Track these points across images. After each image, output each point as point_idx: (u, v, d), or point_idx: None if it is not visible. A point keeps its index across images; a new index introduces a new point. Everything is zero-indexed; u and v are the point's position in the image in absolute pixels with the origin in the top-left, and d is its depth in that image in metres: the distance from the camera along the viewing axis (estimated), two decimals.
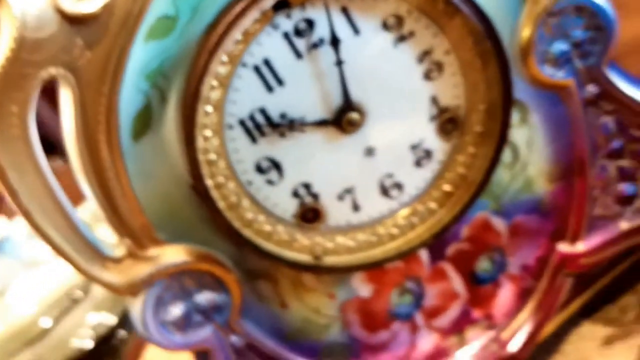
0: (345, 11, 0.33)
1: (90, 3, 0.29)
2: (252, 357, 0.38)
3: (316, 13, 0.33)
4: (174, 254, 0.34)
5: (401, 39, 0.35)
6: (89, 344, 0.72)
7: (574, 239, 0.41)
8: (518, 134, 0.39)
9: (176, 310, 0.35)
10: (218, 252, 0.35)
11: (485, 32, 0.35)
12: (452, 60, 0.36)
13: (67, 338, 0.71)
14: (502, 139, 0.37)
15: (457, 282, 0.41)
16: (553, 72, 0.38)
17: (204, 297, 0.36)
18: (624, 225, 0.41)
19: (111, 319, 0.74)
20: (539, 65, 0.37)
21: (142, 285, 0.34)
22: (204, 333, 0.36)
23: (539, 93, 0.38)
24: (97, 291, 0.72)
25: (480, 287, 0.41)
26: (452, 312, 0.41)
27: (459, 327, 0.42)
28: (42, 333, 0.69)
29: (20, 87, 0.28)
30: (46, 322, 0.69)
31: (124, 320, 0.76)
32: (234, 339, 0.37)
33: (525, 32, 0.36)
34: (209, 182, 0.33)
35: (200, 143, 0.32)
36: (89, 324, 0.73)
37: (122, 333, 0.74)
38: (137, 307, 0.34)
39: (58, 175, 0.31)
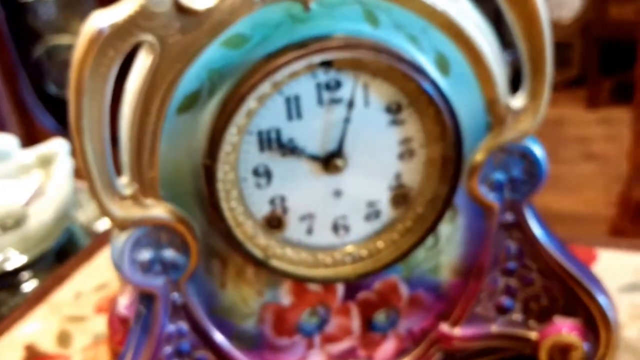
0: (365, 87, 0.40)
1: (200, 2, 0.36)
2: (182, 315, 0.43)
3: (346, 79, 0.40)
4: (163, 210, 0.40)
5: (394, 122, 0.42)
6: None
7: (454, 324, 0.47)
8: (444, 228, 0.45)
9: (146, 254, 0.41)
10: (194, 222, 0.41)
11: (454, 143, 0.41)
12: (422, 153, 0.43)
13: None
14: (432, 226, 0.44)
15: (355, 323, 0.47)
16: (487, 192, 0.44)
17: (170, 253, 0.41)
18: (494, 328, 0.48)
19: (23, 259, 0.78)
20: (479, 183, 0.44)
21: (131, 224, 0.40)
22: (157, 281, 0.41)
23: (470, 203, 0.45)
24: (26, 230, 0.76)
25: (371, 333, 0.47)
26: (344, 344, 0.47)
27: (343, 358, 0.47)
28: None
29: (123, 40, 0.35)
30: None
31: (32, 265, 0.80)
32: (176, 295, 0.42)
33: (480, 156, 0.43)
34: (217, 165, 0.39)
35: (224, 135, 0.39)
36: (4, 253, 0.77)
37: (26, 275, 0.78)
38: (120, 240, 0.40)
39: None
